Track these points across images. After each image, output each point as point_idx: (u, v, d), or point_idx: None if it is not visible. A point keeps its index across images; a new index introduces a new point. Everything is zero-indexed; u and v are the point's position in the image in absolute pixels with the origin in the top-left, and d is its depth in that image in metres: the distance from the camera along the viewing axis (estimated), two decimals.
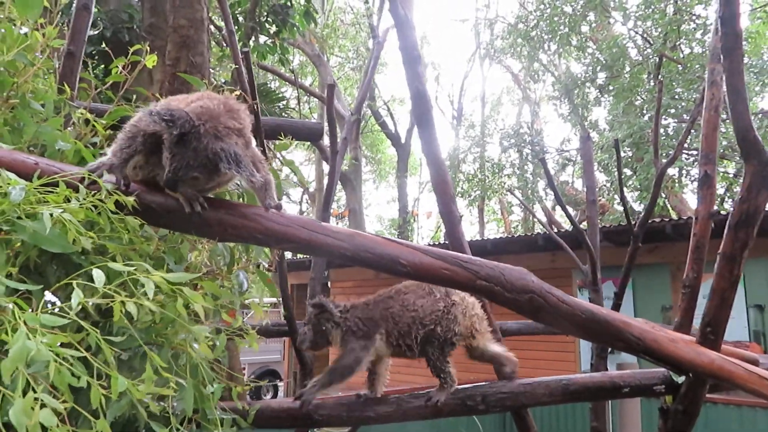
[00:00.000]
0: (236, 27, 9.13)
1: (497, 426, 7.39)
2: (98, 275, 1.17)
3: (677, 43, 14.04)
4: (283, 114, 11.34)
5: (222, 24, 10.87)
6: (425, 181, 26.77)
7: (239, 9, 9.99)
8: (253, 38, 9.90)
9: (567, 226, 19.22)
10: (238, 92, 2.36)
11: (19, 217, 1.38)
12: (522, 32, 17.56)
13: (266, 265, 2.23)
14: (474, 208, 22.24)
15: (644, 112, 14.10)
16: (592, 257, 4.16)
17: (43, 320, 1.07)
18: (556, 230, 10.27)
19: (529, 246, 9.88)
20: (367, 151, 27.91)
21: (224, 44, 11.33)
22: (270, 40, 10.37)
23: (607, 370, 4.05)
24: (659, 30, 13.92)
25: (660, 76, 13.48)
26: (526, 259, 9.43)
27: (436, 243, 12.35)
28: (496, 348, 2.22)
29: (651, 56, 14.74)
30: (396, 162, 23.73)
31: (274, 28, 10.05)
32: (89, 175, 1.56)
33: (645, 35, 15.38)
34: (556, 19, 15.97)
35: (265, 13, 9.96)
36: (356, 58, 24.61)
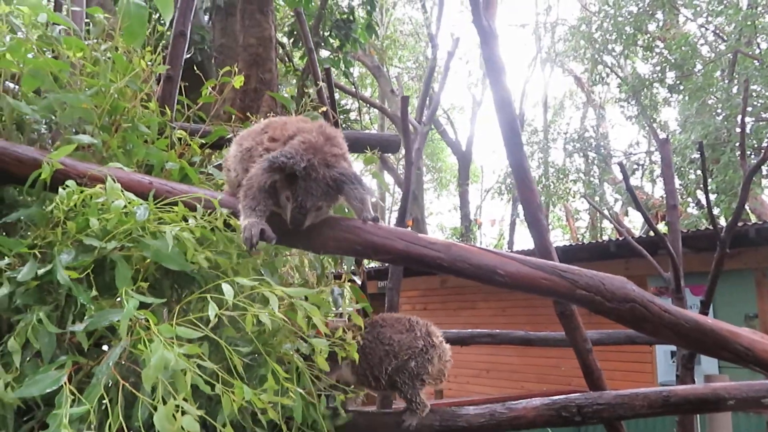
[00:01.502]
0: (300, 42, 9.40)
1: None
2: (228, 290, 1.24)
3: (753, 39, 13.38)
4: (343, 126, 11.54)
5: (284, 41, 11.19)
6: (488, 188, 26.54)
7: None
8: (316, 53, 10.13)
9: (636, 232, 18.59)
10: (324, 109, 2.43)
11: (141, 235, 1.47)
12: (585, 34, 17.20)
13: (358, 282, 2.28)
14: None
15: (718, 111, 13.49)
16: (675, 264, 4.01)
17: (179, 332, 1.14)
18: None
19: (601, 253, 9.60)
20: (428, 160, 27.93)
21: (286, 60, 11.65)
22: (333, 54, 10.58)
23: (694, 381, 3.90)
24: (733, 25, 13.31)
25: (735, 74, 12.90)
26: (598, 267, 9.12)
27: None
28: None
29: (724, 53, 14.12)
30: (457, 170, 23.63)
31: (337, 43, 10.25)
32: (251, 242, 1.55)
33: (717, 32, 14.75)
34: (620, 19, 15.55)
35: (329, 28, 10.17)
36: (416, 68, 24.71)
